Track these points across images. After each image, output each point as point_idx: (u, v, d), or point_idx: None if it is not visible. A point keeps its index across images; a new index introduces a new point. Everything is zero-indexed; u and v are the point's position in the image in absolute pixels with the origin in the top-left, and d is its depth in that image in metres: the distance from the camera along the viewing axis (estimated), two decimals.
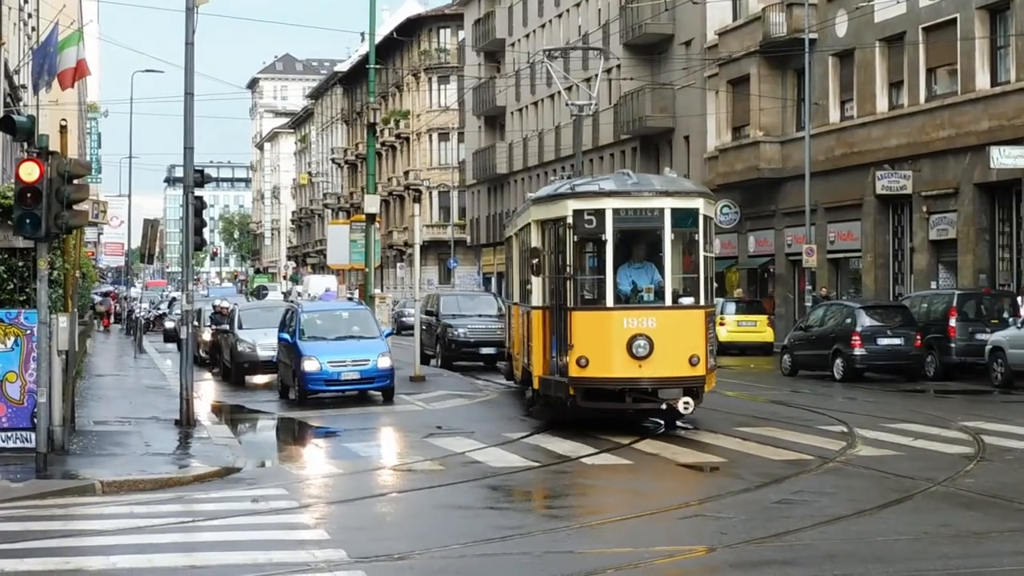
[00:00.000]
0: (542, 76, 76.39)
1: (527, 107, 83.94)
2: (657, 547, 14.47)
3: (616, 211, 23.68)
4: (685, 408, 23.30)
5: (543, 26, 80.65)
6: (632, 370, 23.24)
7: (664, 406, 24.03)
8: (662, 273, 24.01)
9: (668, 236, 23.86)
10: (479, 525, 15.89)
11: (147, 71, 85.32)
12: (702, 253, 24.19)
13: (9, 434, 21.08)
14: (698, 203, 24.33)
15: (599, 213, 23.71)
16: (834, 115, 50.77)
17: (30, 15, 60.07)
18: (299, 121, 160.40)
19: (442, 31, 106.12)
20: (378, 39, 52.26)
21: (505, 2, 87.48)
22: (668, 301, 23.91)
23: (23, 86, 49.94)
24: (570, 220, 23.87)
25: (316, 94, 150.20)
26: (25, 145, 20.42)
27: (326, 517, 16.71)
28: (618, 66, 67.79)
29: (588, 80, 52.36)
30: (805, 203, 49.02)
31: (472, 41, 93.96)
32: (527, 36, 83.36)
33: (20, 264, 21.53)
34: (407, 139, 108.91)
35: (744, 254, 57.89)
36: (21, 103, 52.61)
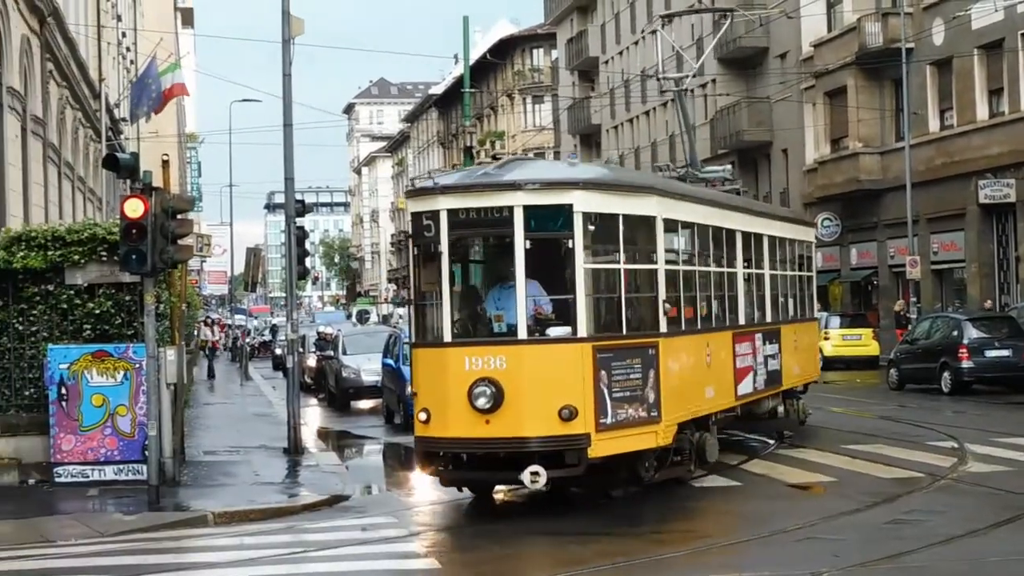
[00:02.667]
0: (637, 93, 76.19)
1: (622, 124, 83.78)
2: (767, 571, 14.38)
3: (453, 213, 17.67)
4: (533, 482, 17.15)
5: (636, 43, 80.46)
6: (476, 427, 17.29)
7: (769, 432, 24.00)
8: (546, 292, 18.23)
9: (520, 243, 17.40)
10: (586, 552, 15.80)
11: (244, 100, 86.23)
12: (580, 265, 17.63)
13: (121, 467, 21.33)
14: (569, 197, 17.71)
15: (435, 216, 17.81)
16: (933, 124, 50.20)
17: (128, 48, 60.94)
18: (395, 145, 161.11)
19: (535, 51, 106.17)
20: (472, 61, 52.39)
21: (597, 20, 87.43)
22: (522, 333, 17.51)
23: (123, 119, 50.60)
24: (411, 227, 18.58)
25: (412, 117, 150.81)
26: (129, 181, 20.68)
27: (436, 545, 16.73)
28: (713, 81, 67.56)
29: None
30: (907, 214, 48.55)
31: (565, 60, 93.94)
32: (620, 54, 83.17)
33: (127, 299, 21.82)
34: (500, 159, 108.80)
35: (847, 267, 57.39)
36: (122, 136, 53.33)
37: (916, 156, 49.18)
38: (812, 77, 57.04)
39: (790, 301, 26.84)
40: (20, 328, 22.10)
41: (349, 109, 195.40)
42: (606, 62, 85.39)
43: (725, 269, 22.37)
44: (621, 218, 18.19)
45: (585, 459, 17.34)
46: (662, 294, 19.01)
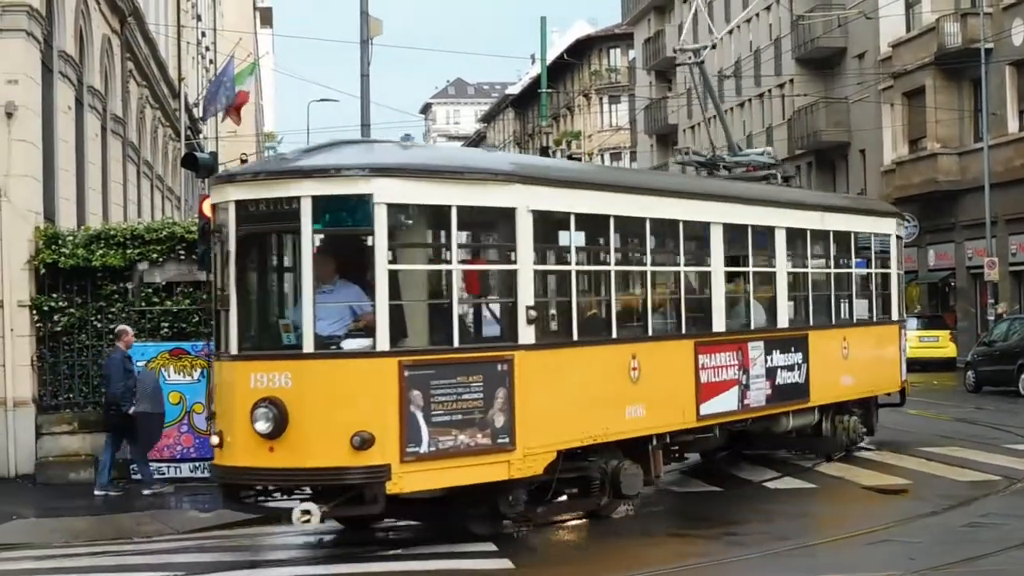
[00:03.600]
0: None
1: (699, 124, 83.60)
2: (842, 573, 14.27)
3: (242, 205, 15.14)
4: (304, 521, 14.39)
5: (714, 44, 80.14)
6: (260, 455, 14.66)
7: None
8: (359, 299, 15.35)
9: (308, 241, 14.74)
10: (660, 552, 15.78)
11: (322, 100, 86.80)
12: (383, 267, 14.71)
13: (197, 464, 21.47)
14: (369, 185, 14.72)
15: (226, 209, 15.40)
16: (1012, 125, 49.67)
17: (207, 48, 61.37)
18: (472, 145, 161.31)
19: (612, 51, 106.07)
20: (549, 61, 52.43)
21: (675, 20, 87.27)
22: (308, 346, 14.68)
23: (202, 119, 50.99)
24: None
25: (488, 117, 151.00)
26: (207, 180, 20.84)
27: (510, 545, 16.65)
28: (791, 81, 67.27)
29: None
30: (985, 215, 48.13)
31: (642, 60, 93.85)
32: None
33: (204, 297, 21.96)
34: (579, 159, 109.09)
35: (924, 268, 56.93)
36: (201, 135, 53.73)
37: (995, 157, 48.69)
38: (890, 77, 56.67)
39: (841, 302, 23.63)
40: (98, 325, 22.33)
41: (426, 109, 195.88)
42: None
43: (683, 269, 18.96)
44: (455, 210, 15.04)
45: (382, 495, 14.50)
46: (526, 299, 15.64)
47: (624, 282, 18.57)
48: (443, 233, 15.55)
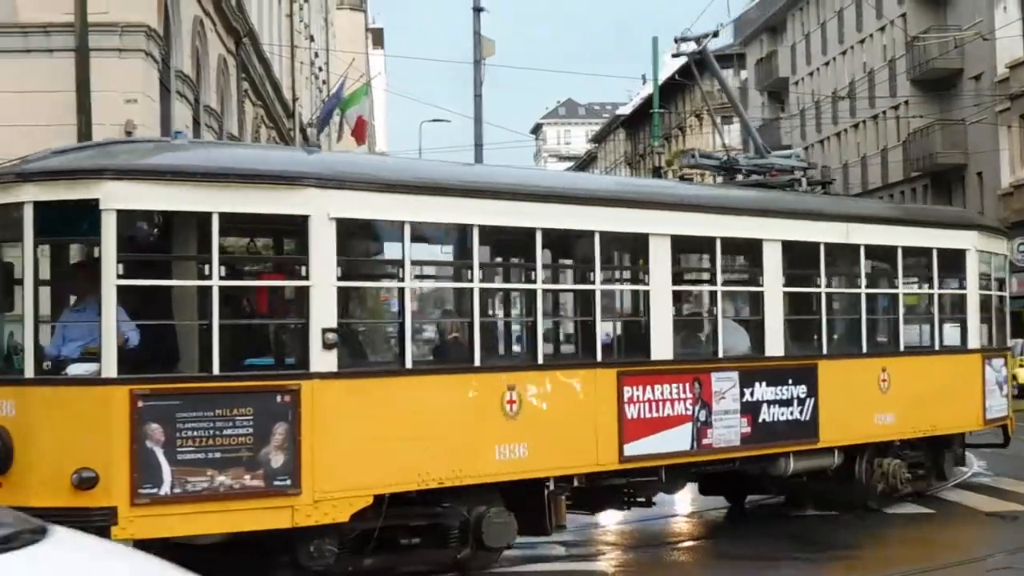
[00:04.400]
0: (828, 114, 75.45)
1: (812, 145, 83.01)
2: None
3: None
4: None
5: (827, 64, 79.60)
6: None
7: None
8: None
9: (31, 252, 12.60)
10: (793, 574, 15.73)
11: (434, 120, 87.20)
12: (111, 283, 12.36)
13: None
14: (96, 190, 12.43)
15: None
16: None
17: (320, 69, 61.83)
18: (583, 165, 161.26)
19: (724, 71, 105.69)
20: (660, 81, 52.31)
21: (787, 41, 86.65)
22: (30, 371, 12.59)
23: (316, 139, 51.39)
24: None
25: (599, 138, 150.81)
26: None
27: (623, 565, 16.56)
28: (906, 102, 66.58)
29: None
30: None
31: (755, 81, 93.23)
32: (810, 75, 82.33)
33: None
34: (691, 180, 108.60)
35: None
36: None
37: None
38: (1007, 99, 55.87)
39: (879, 327, 20.24)
40: None
41: (537, 129, 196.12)
42: (796, 83, 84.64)
43: (597, 287, 15.66)
44: (217, 218, 12.66)
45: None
46: (323, 320, 13.16)
47: (504, 301, 17.00)
48: (196, 244, 13.17)
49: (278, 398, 12.90)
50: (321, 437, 12.96)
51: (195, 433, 12.45)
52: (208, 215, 12.62)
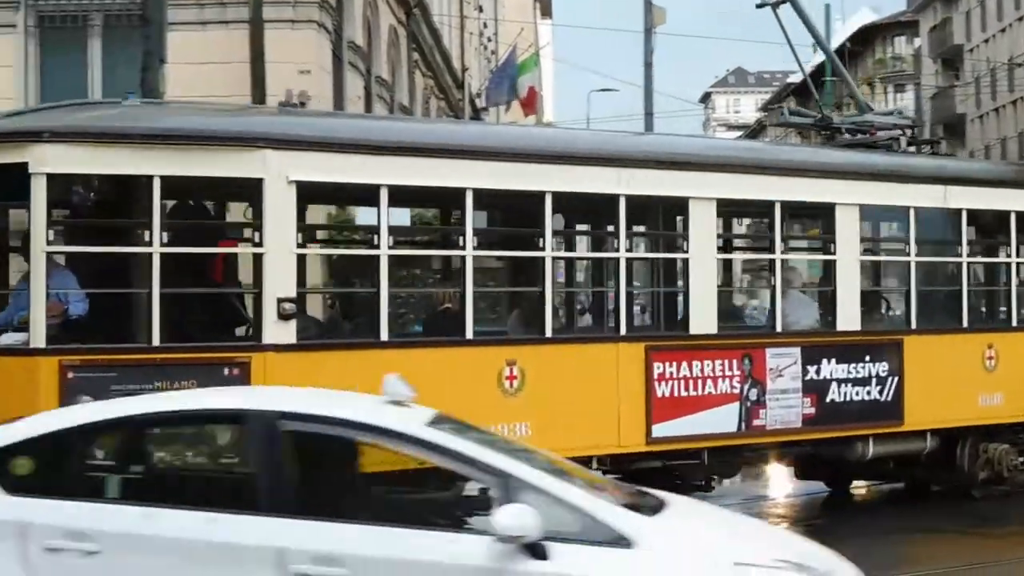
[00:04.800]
0: (1004, 82, 73.98)
1: (988, 114, 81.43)
2: None
3: None
4: None
5: (1003, 30, 77.95)
6: None
7: None
8: (64, 285, 12.30)
9: None
10: (938, 551, 15.27)
11: (602, 90, 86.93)
12: (37, 248, 11.64)
13: None
14: (24, 154, 11.76)
15: None
16: None
17: (489, 39, 62.06)
18: (752, 134, 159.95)
19: (896, 39, 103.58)
20: (832, 49, 51.70)
21: (962, 7, 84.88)
22: None
23: (484, 109, 51.61)
24: None
25: (768, 107, 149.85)
26: None
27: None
28: None
29: None
30: None
31: (928, 48, 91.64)
32: (986, 41, 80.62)
33: None
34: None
35: None
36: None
37: None
38: None
39: (985, 300, 18.61)
40: None
41: (706, 98, 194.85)
42: (971, 50, 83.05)
43: (623, 255, 14.28)
44: (159, 182, 11.78)
45: None
46: (279, 289, 12.23)
47: (512, 272, 15.60)
48: (146, 209, 12.03)
49: (225, 371, 12.06)
50: None
51: None
52: (149, 179, 11.80)
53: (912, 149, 18.64)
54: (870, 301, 16.93)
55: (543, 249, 13.57)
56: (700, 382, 14.77)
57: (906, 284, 16.79)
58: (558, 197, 13.68)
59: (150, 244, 11.73)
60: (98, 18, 22.39)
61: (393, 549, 7.01)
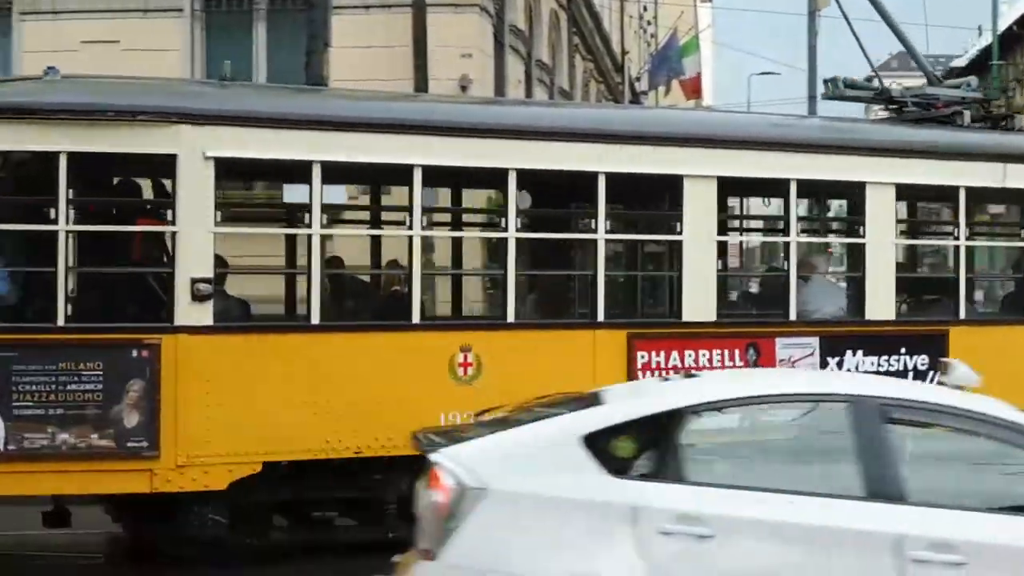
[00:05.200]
0: None
1: None
2: None
3: None
4: None
5: None
6: None
7: None
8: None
9: None
10: None
11: (763, 73, 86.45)
12: None
13: None
14: None
15: None
16: None
17: (648, 22, 61.83)
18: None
19: None
20: (999, 31, 50.71)
21: None
22: None
23: (643, 92, 51.44)
24: None
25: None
26: None
27: None
28: None
29: None
30: None
31: None
32: None
33: None
34: None
35: None
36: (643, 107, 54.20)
37: None
38: None
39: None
40: None
41: (869, 81, 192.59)
42: None
43: (601, 236, 13.20)
44: (64, 158, 11.45)
45: None
46: (193, 269, 11.75)
47: (483, 253, 15.13)
48: (52, 187, 11.59)
49: (134, 353, 11.68)
50: (189, 397, 11.69)
51: (34, 388, 11.41)
52: (55, 155, 11.44)
53: (978, 124, 17.13)
54: (910, 289, 16.06)
55: (506, 229, 12.83)
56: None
57: (953, 271, 15.41)
58: (524, 175, 13.13)
59: (56, 222, 11.40)
60: (263, 2, 22.68)
61: (1009, 536, 7.11)
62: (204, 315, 11.73)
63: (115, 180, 13.17)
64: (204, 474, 11.75)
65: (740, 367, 13.68)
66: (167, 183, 12.07)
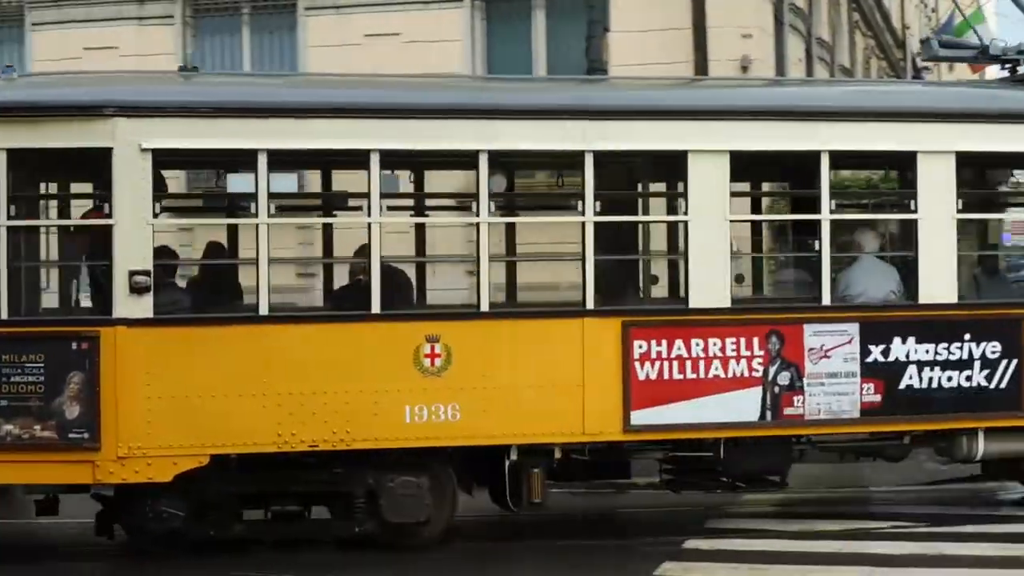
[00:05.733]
0: None
1: None
2: None
3: None
4: None
5: None
6: None
7: None
8: None
9: None
10: None
11: None
12: None
13: None
14: None
15: None
16: None
17: None
18: None
19: None
20: None
21: None
22: None
23: (925, 68, 50.44)
24: None
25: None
26: None
27: None
28: None
29: None
30: None
31: None
32: None
33: None
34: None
35: None
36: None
37: None
38: None
39: None
40: None
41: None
42: None
43: (591, 218, 12.59)
44: (4, 156, 11.91)
45: None
46: (131, 262, 11.88)
47: (445, 238, 14.91)
48: None
49: (74, 345, 11.89)
50: (129, 389, 11.81)
51: None
52: None
53: None
54: (972, 269, 14.68)
55: (478, 215, 12.47)
56: (703, 363, 12.87)
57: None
58: (496, 157, 12.66)
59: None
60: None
61: None
62: (143, 308, 11.81)
63: (56, 175, 13.36)
64: (147, 466, 11.84)
65: (759, 357, 12.90)
66: (104, 176, 11.99)
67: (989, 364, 13.37)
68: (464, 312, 12.84)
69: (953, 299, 13.33)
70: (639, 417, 12.67)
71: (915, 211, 13.24)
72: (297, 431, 12.04)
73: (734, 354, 12.86)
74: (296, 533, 12.68)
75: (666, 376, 12.71)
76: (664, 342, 12.70)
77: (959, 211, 13.43)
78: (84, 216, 12.72)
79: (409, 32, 22.45)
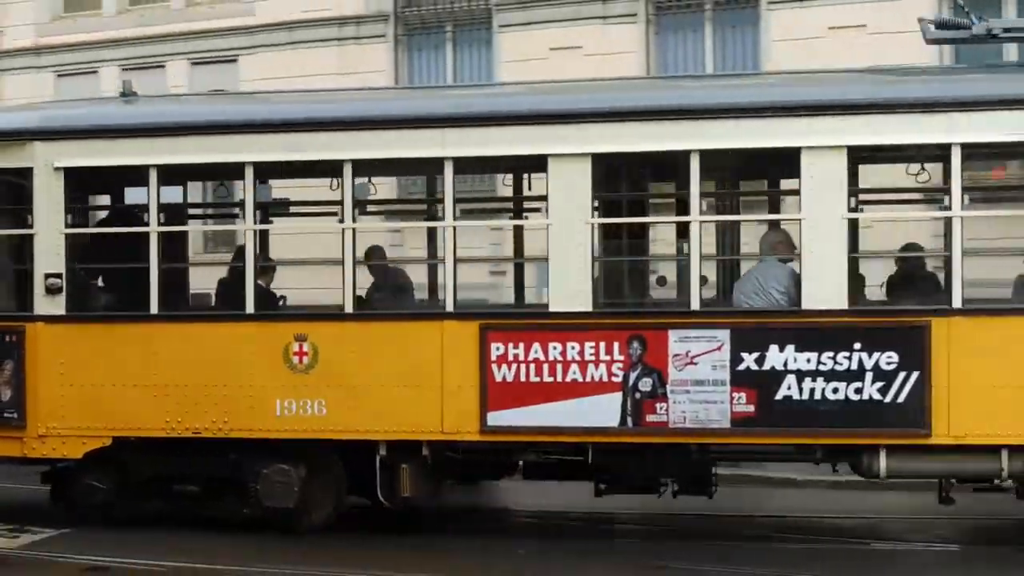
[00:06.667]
0: None
1: None
2: None
3: None
4: None
5: None
6: None
7: None
8: None
9: None
10: None
11: None
12: None
13: None
14: None
15: None
16: None
17: None
18: None
19: None
20: None
21: None
22: None
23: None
24: None
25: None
26: None
27: None
28: None
29: None
30: None
31: None
32: None
33: None
34: None
35: None
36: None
37: None
38: None
39: None
40: None
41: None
42: None
43: (450, 223, 13.29)
44: None
45: None
46: (46, 266, 14.15)
47: (316, 242, 14.86)
48: None
49: (6, 338, 14.25)
50: (46, 376, 14.01)
51: None
52: None
53: None
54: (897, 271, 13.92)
55: (343, 221, 13.54)
56: (560, 367, 13.01)
57: (946, 247, 12.77)
58: (360, 166, 13.74)
59: None
60: (709, 2, 22.96)
61: None
62: (57, 306, 14.04)
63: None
64: (61, 444, 14.12)
65: (620, 362, 12.88)
66: (27, 192, 14.20)
67: (884, 376, 12.52)
68: (329, 314, 13.86)
69: (842, 305, 12.59)
70: (495, 418, 13.15)
71: (798, 210, 12.74)
72: (182, 419, 13.83)
73: (593, 358, 12.94)
74: (200, 512, 14.29)
75: (523, 379, 13.04)
76: (521, 345, 13.05)
77: (851, 210, 12.97)
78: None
79: (590, 46, 23.05)
